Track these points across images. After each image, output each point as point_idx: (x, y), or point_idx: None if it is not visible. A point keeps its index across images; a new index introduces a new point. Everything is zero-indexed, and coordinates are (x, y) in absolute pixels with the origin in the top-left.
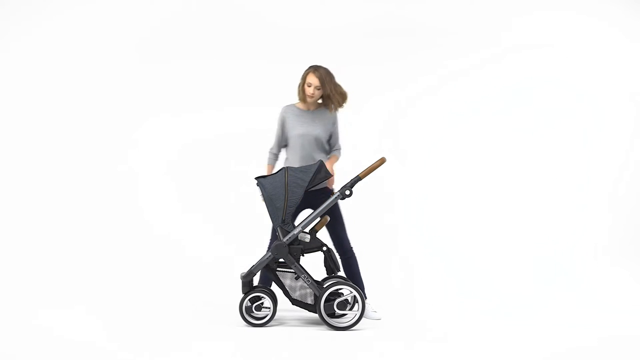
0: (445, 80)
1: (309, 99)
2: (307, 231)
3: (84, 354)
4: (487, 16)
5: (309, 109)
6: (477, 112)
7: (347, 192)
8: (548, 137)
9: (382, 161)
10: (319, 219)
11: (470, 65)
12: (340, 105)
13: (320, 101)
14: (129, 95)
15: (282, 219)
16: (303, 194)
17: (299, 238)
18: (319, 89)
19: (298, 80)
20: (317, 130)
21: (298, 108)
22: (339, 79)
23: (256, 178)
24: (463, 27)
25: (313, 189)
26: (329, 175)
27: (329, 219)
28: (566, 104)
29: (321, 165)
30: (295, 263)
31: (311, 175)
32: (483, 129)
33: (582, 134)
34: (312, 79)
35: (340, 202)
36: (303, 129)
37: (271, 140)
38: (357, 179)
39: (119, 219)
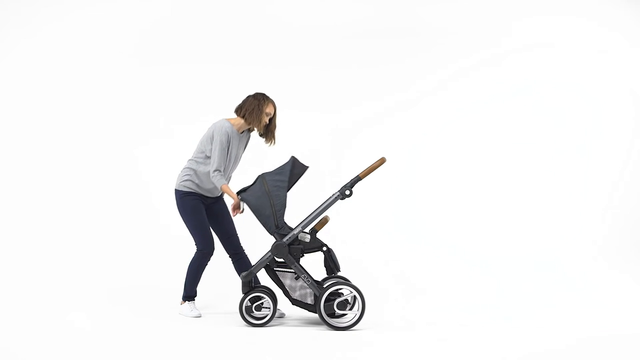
0: (446, 81)
1: (257, 127)
2: (307, 231)
3: (83, 354)
4: (488, 18)
5: (240, 131)
6: (476, 112)
7: (347, 192)
8: (547, 138)
9: (382, 161)
10: (319, 218)
11: (470, 65)
12: (274, 140)
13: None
14: (134, 95)
15: (275, 225)
16: (286, 195)
17: (299, 238)
18: (270, 120)
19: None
20: (241, 152)
21: (233, 128)
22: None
23: (238, 193)
24: (463, 28)
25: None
26: (304, 168)
27: (329, 219)
28: (565, 105)
29: (294, 161)
30: (295, 263)
31: (288, 174)
32: (482, 130)
33: (581, 135)
34: (271, 110)
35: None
36: (235, 151)
37: (214, 158)
38: (357, 179)
39: (119, 218)
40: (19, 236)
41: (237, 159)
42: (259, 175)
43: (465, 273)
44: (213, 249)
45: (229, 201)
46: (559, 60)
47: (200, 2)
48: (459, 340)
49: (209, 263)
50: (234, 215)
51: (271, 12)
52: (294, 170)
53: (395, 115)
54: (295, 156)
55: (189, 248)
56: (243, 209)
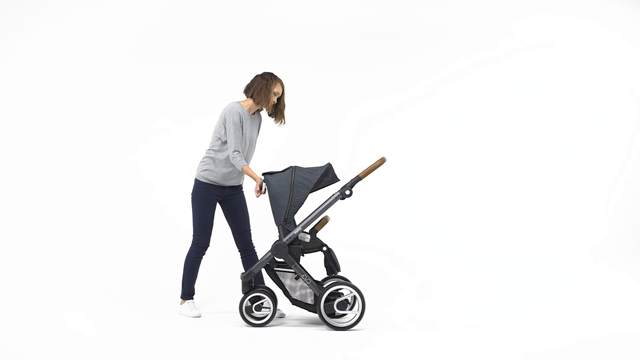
0: (446, 81)
1: (265, 107)
2: (307, 231)
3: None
4: (488, 18)
5: (251, 113)
6: (476, 112)
7: (347, 192)
8: (547, 138)
9: (382, 161)
10: (319, 219)
11: (470, 65)
12: (284, 120)
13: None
14: (134, 95)
15: (284, 218)
16: (308, 196)
17: (299, 238)
18: (278, 100)
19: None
20: (255, 135)
21: (244, 110)
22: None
23: (263, 174)
24: (463, 28)
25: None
26: (335, 179)
27: (329, 219)
28: (565, 105)
29: (329, 168)
30: (295, 263)
31: (318, 177)
32: (482, 130)
33: (581, 135)
34: (279, 89)
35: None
36: (249, 134)
37: (231, 142)
38: (357, 179)
39: (119, 217)
40: (19, 236)
41: (252, 143)
42: (291, 166)
43: (465, 273)
44: (207, 244)
45: (248, 194)
46: (559, 60)
47: (200, 2)
48: (459, 340)
49: (209, 263)
50: (257, 197)
51: (271, 12)
52: (325, 177)
53: (395, 116)
54: (332, 164)
55: (188, 247)
56: (265, 190)
